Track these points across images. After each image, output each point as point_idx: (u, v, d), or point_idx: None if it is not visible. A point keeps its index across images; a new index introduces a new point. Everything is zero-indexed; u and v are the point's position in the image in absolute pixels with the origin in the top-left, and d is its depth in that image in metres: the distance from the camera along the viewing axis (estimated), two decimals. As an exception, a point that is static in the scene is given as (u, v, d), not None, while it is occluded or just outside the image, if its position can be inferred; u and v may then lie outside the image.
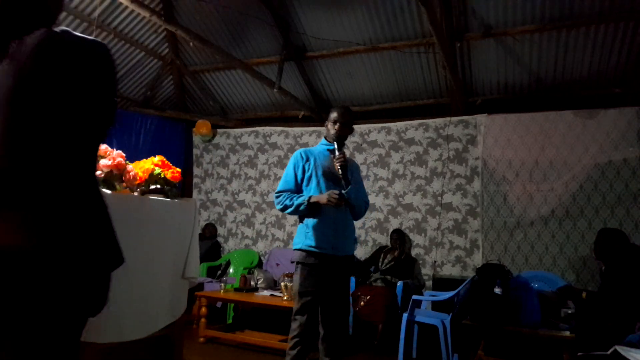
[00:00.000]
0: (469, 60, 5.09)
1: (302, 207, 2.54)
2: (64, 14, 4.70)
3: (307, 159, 2.69)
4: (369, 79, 5.65)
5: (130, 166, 2.35)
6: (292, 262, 2.67)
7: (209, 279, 5.43)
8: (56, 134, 0.97)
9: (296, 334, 2.46)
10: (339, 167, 2.55)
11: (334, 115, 2.70)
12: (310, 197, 2.54)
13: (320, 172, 2.63)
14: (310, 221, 2.57)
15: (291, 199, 2.59)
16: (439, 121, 5.46)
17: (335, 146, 2.61)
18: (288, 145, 6.27)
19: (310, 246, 2.53)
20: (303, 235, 2.58)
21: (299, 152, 2.74)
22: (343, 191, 2.54)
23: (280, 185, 2.70)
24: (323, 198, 2.50)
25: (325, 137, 2.76)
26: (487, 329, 2.99)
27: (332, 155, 2.64)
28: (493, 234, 5.00)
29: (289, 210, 2.59)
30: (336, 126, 2.66)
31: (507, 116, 5.08)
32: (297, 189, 2.65)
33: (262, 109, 6.65)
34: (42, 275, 0.92)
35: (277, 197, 2.67)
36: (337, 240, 2.57)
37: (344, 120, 2.68)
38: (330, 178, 2.62)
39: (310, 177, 2.64)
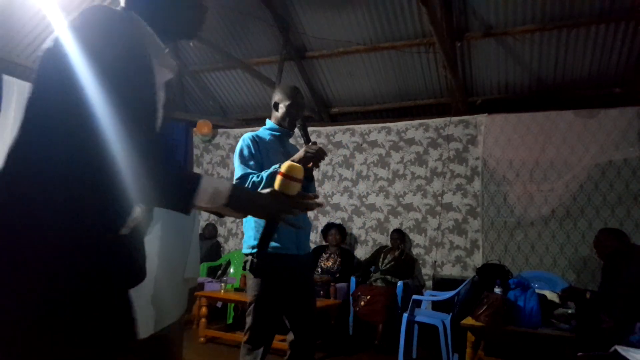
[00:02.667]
0: (469, 60, 5.08)
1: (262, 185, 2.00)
2: (64, 13, 4.70)
3: (258, 147, 2.17)
4: (369, 78, 5.64)
5: (130, 166, 2.34)
6: (245, 269, 2.17)
7: (209, 279, 5.43)
8: None
9: (251, 346, 2.14)
10: (312, 159, 1.99)
11: (287, 92, 2.24)
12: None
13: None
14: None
15: (258, 176, 2.05)
16: (439, 121, 5.46)
17: (301, 132, 2.13)
18: (288, 145, 6.27)
19: (275, 247, 2.08)
20: (258, 233, 2.11)
21: (248, 136, 2.21)
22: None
23: (240, 170, 2.13)
24: (298, 156, 1.99)
25: (275, 122, 2.29)
26: (487, 329, 2.99)
27: (306, 147, 2.04)
28: (493, 234, 5.00)
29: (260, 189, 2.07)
30: (294, 109, 2.23)
31: (508, 116, 5.07)
32: (261, 170, 2.10)
33: (262, 109, 6.64)
34: None
35: (241, 181, 2.10)
36: (299, 237, 2.17)
37: (300, 98, 2.28)
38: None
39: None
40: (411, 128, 5.59)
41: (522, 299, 3.02)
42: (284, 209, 1.05)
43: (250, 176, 2.08)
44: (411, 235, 5.39)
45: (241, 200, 0.99)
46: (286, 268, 2.11)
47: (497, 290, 3.09)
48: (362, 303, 4.46)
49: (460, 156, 5.31)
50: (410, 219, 5.44)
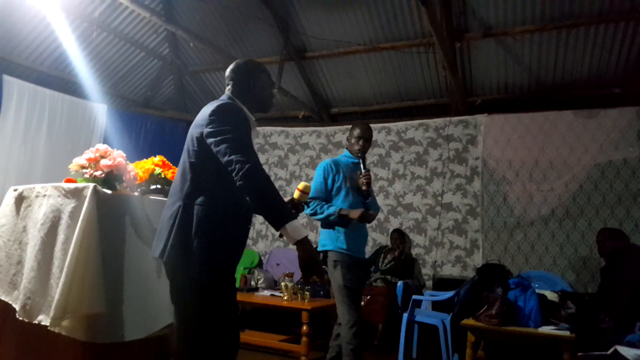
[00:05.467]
0: (469, 60, 5.09)
1: (332, 218, 2.74)
2: (64, 14, 4.70)
3: (337, 171, 2.85)
4: (369, 79, 5.65)
5: (130, 166, 2.35)
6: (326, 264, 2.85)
7: (209, 279, 5.41)
8: None
9: (355, 321, 2.62)
10: (364, 183, 2.78)
11: (357, 131, 2.88)
12: (340, 209, 2.74)
13: (348, 184, 2.82)
14: (341, 228, 2.80)
15: (321, 207, 2.78)
16: (439, 121, 5.46)
17: (361, 163, 2.83)
18: (288, 146, 6.27)
19: (342, 249, 2.77)
20: (334, 238, 2.79)
21: (328, 162, 2.88)
22: (367, 201, 2.85)
23: (310, 193, 2.71)
24: (354, 214, 2.73)
25: (349, 151, 2.96)
26: (487, 329, 3.00)
27: (358, 172, 2.84)
28: (493, 234, 5.00)
29: (318, 217, 2.80)
30: (360, 142, 2.86)
31: (507, 116, 5.08)
32: (326, 198, 2.82)
33: (262, 109, 6.64)
34: None
35: (312, 202, 2.83)
36: (360, 244, 2.88)
37: (368, 136, 2.89)
38: (355, 189, 2.83)
39: (339, 188, 2.82)
40: (411, 128, 5.60)
41: (522, 299, 3.02)
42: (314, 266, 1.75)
43: (315, 202, 2.81)
44: (411, 235, 5.39)
45: (305, 246, 1.68)
46: (352, 264, 2.77)
47: (497, 290, 3.09)
48: (362, 303, 4.45)
49: (460, 156, 5.31)
50: (410, 219, 5.44)
